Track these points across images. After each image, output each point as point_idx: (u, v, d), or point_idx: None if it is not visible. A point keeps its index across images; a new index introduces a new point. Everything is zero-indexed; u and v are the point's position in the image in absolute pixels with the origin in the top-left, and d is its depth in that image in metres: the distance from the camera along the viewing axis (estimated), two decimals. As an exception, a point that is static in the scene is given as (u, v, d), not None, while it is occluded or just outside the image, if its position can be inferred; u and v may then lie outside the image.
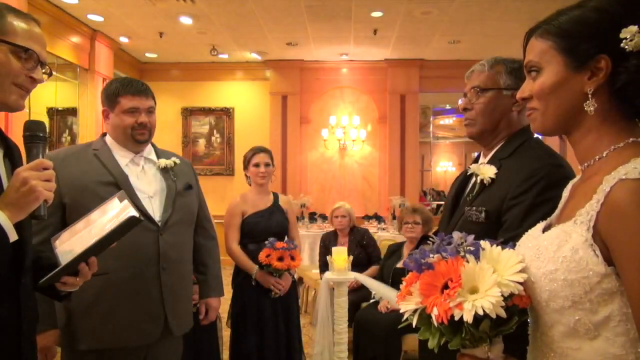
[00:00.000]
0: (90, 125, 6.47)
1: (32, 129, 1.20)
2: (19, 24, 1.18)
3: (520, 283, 0.81)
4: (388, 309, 3.47)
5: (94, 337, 1.78)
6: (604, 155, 0.86)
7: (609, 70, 0.84)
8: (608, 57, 0.83)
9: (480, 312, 0.76)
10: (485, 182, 1.42)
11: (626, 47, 0.81)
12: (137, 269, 1.81)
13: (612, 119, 0.87)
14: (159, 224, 1.87)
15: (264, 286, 2.90)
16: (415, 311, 0.85)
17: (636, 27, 0.81)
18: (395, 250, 3.87)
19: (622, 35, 0.82)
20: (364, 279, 3.50)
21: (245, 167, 3.05)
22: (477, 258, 0.83)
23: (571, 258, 0.80)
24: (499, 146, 1.51)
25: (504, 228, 1.33)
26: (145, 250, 1.83)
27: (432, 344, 0.81)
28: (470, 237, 0.86)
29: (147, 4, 5.54)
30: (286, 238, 2.98)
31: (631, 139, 0.85)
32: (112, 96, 1.90)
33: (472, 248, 0.84)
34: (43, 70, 1.24)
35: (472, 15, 5.90)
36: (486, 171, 1.43)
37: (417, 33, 6.59)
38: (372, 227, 6.36)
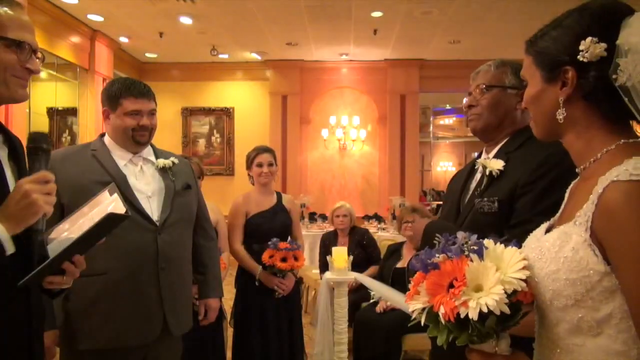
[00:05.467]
0: (90, 125, 6.48)
1: (37, 141, 1.19)
2: (6, 12, 1.15)
3: (525, 280, 0.83)
4: (384, 309, 3.47)
5: (92, 338, 1.78)
6: (598, 157, 0.90)
7: (575, 80, 0.90)
8: (573, 68, 0.89)
9: (485, 310, 0.79)
10: (494, 174, 1.46)
11: (582, 58, 0.87)
12: (136, 269, 1.81)
13: (599, 123, 0.91)
14: (157, 223, 1.87)
15: (267, 286, 2.90)
16: (423, 310, 0.88)
17: (590, 38, 0.86)
18: (395, 250, 3.87)
19: (580, 48, 0.87)
20: (364, 279, 3.50)
21: (248, 167, 3.05)
22: (481, 257, 0.85)
23: (572, 258, 0.83)
24: (504, 141, 1.54)
25: (515, 214, 1.37)
26: (144, 250, 1.83)
27: (440, 340, 0.84)
28: (474, 237, 0.88)
29: (147, 4, 5.54)
30: (289, 238, 2.98)
31: (622, 141, 0.88)
32: (113, 97, 1.88)
33: (475, 247, 0.87)
34: (37, 57, 1.22)
35: (472, 15, 5.90)
36: (494, 164, 1.47)
37: (417, 33, 6.59)
38: (372, 227, 6.35)
